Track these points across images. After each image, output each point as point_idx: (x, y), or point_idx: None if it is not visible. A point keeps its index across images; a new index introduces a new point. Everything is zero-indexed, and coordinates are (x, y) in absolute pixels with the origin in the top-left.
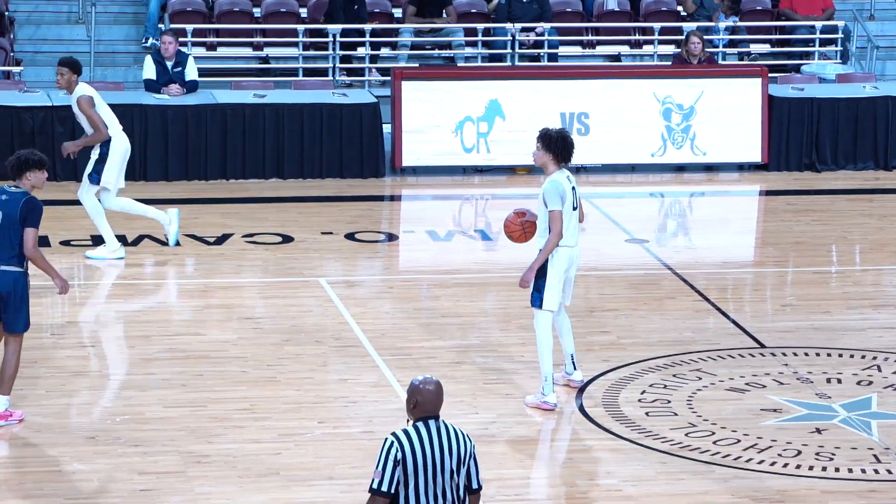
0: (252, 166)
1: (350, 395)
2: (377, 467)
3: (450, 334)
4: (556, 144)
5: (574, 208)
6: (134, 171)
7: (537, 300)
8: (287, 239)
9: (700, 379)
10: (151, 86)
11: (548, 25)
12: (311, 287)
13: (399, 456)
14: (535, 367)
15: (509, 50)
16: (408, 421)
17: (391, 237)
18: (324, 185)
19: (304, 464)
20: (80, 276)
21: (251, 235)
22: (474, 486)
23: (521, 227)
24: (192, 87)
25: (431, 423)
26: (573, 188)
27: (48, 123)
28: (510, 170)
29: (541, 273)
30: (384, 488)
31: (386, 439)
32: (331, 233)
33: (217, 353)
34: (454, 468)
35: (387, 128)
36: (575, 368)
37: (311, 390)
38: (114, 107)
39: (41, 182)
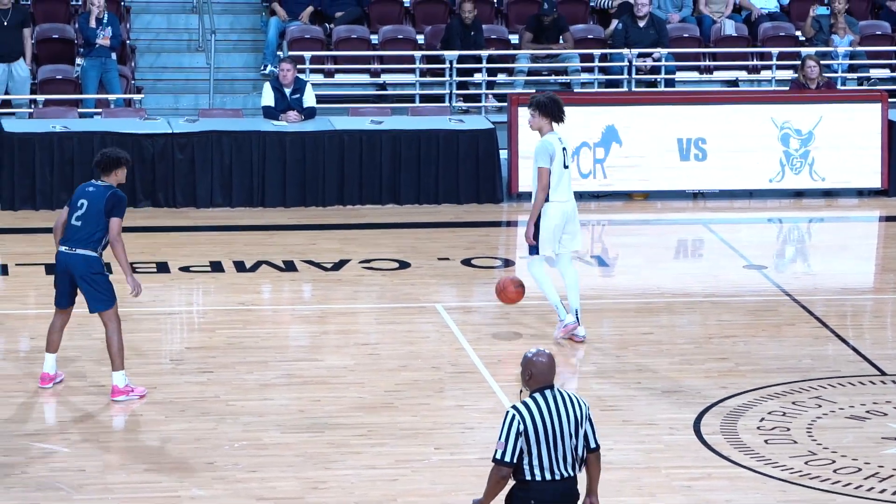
0: (369, 192)
1: (467, 421)
2: (500, 439)
3: (566, 360)
4: (550, 108)
5: (566, 166)
6: (252, 198)
7: (533, 249)
8: (404, 265)
9: (820, 406)
10: (270, 112)
11: (665, 51)
12: (427, 313)
13: (521, 427)
14: (654, 394)
15: (626, 76)
16: (521, 392)
17: (507, 263)
18: (440, 210)
19: (420, 490)
20: (199, 301)
21: (368, 261)
22: (592, 445)
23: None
24: (310, 113)
25: (547, 392)
26: (564, 148)
27: (168, 150)
28: (627, 195)
29: (535, 225)
30: (507, 458)
31: (507, 412)
32: (447, 258)
33: (334, 379)
34: (572, 432)
35: (503, 153)
36: (579, 323)
37: (427, 416)
38: (233, 134)
39: (124, 177)
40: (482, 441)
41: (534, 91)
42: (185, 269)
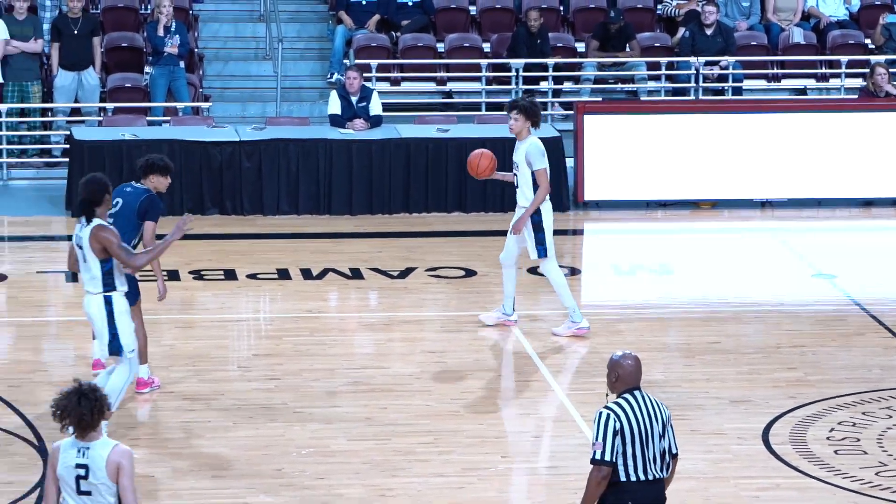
0: (435, 200)
1: (533, 429)
2: (597, 439)
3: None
4: (533, 112)
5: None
6: (319, 206)
7: (542, 252)
8: (470, 273)
9: (890, 417)
10: (336, 120)
11: (732, 59)
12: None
13: (617, 426)
14: (722, 403)
15: (693, 84)
16: (606, 395)
17: (574, 271)
18: (506, 218)
19: (488, 498)
20: (266, 309)
21: (434, 269)
22: (674, 451)
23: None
24: (376, 121)
25: (637, 393)
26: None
27: (236, 158)
28: (693, 204)
29: (538, 228)
30: (607, 457)
31: (601, 413)
32: None
33: (401, 387)
34: (661, 433)
35: (570, 162)
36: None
37: (494, 424)
38: (300, 142)
39: (163, 186)
40: (549, 450)
41: (600, 99)
42: (252, 276)
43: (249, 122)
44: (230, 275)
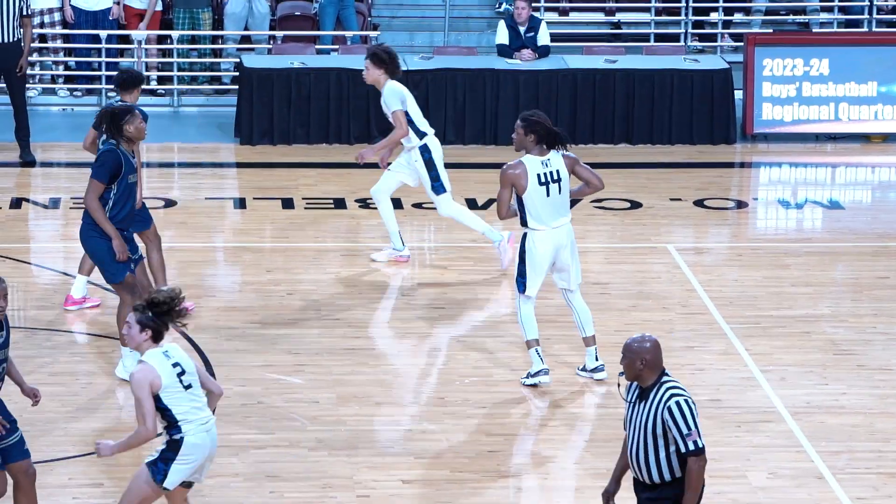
0: (601, 131)
1: (697, 362)
2: (692, 427)
3: (800, 304)
4: (381, 59)
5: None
6: (485, 136)
7: (440, 188)
8: (636, 205)
9: None
10: (504, 51)
11: None
12: (658, 253)
13: (696, 409)
14: (890, 339)
15: (867, 15)
16: (619, 385)
17: (740, 204)
18: (673, 151)
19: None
20: (430, 238)
21: (600, 201)
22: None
23: None
24: (543, 52)
25: (669, 373)
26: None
27: None
28: (864, 137)
29: (430, 165)
30: (703, 444)
31: (683, 400)
32: (679, 199)
33: (563, 318)
34: None
35: (738, 94)
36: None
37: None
38: (467, 72)
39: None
40: (713, 383)
41: (771, 31)
42: (417, 205)
43: (417, 52)
44: (395, 203)
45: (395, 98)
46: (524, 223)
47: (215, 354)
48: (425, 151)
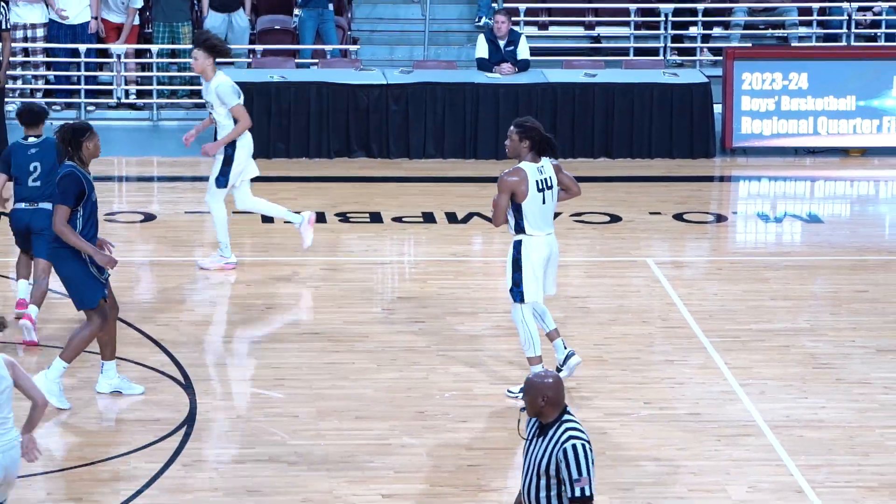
0: (581, 145)
1: (677, 376)
2: (582, 474)
3: (779, 317)
4: (215, 47)
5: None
6: (465, 149)
7: (222, 182)
8: (615, 218)
9: None
10: (484, 64)
11: (886, 4)
12: (638, 267)
13: (592, 456)
14: (869, 352)
15: (845, 30)
16: (518, 423)
17: (720, 218)
18: (652, 164)
19: (629, 444)
20: (410, 252)
21: (579, 214)
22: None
23: None
24: (523, 65)
25: (570, 411)
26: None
27: (382, 101)
28: (843, 151)
29: (228, 160)
30: (594, 492)
31: (580, 445)
32: (659, 213)
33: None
34: None
35: (717, 108)
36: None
37: (637, 371)
38: (447, 86)
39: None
40: (692, 397)
41: (750, 45)
42: (397, 219)
43: (397, 66)
44: (375, 217)
45: (232, 92)
46: (520, 230)
47: (194, 369)
48: (231, 147)
